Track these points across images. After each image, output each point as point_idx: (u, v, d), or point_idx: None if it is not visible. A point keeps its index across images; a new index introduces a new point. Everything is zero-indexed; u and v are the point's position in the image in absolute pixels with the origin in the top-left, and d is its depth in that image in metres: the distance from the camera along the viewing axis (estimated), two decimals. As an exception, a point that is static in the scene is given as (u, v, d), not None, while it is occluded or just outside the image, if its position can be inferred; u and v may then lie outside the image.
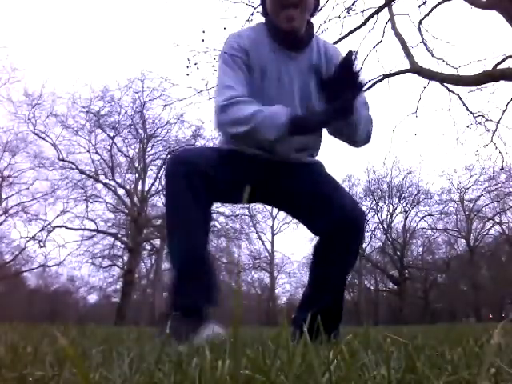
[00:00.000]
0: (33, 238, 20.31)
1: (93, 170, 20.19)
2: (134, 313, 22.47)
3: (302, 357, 0.54)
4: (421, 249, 29.04)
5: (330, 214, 1.58)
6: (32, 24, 47.37)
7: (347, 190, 1.98)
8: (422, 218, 27.52)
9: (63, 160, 19.73)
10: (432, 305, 28.50)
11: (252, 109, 1.53)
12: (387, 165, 26.89)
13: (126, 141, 20.88)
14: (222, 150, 1.72)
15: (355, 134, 1.67)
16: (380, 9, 8.91)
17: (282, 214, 23.14)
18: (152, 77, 20.31)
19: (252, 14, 8.29)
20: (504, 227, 26.41)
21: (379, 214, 27.86)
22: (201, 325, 1.40)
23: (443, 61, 10.23)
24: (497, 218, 26.53)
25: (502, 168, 12.59)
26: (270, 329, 6.05)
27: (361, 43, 9.41)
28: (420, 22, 10.12)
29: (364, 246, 27.18)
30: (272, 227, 27.89)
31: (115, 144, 20.43)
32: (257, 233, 26.25)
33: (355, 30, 8.81)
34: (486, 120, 10.90)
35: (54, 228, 20.25)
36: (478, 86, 9.18)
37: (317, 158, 1.84)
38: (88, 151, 20.09)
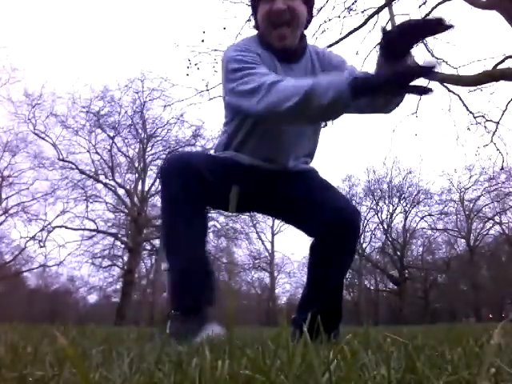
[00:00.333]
0: (33, 238, 20.35)
1: (93, 169, 20.24)
2: (134, 313, 22.44)
3: (302, 357, 0.54)
4: (421, 249, 29.08)
5: (324, 215, 1.59)
6: (32, 24, 47.42)
7: (347, 189, 1.98)
8: (422, 218, 27.56)
9: (63, 160, 19.75)
10: (432, 305, 28.50)
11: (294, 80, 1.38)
12: (387, 165, 26.96)
13: (126, 141, 20.93)
14: (219, 157, 1.72)
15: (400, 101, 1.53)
16: (380, 9, 8.91)
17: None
18: (152, 77, 20.39)
19: (252, 14, 8.28)
20: (504, 227, 26.44)
21: (379, 214, 27.91)
22: (200, 325, 1.41)
23: (443, 61, 10.22)
24: (497, 218, 26.55)
25: (502, 168, 12.58)
26: (269, 329, 6.05)
27: (361, 43, 9.41)
28: (420, 22, 10.09)
29: (364, 246, 27.21)
30: (272, 227, 27.86)
31: (115, 144, 20.47)
32: (257, 233, 26.27)
33: (355, 30, 8.82)
34: (487, 120, 10.90)
35: (54, 228, 20.29)
36: (478, 86, 9.18)
37: (316, 156, 1.85)
38: (88, 151, 20.14)
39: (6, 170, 20.33)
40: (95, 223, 20.69)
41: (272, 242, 28.51)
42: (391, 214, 27.88)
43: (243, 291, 31.09)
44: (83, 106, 19.45)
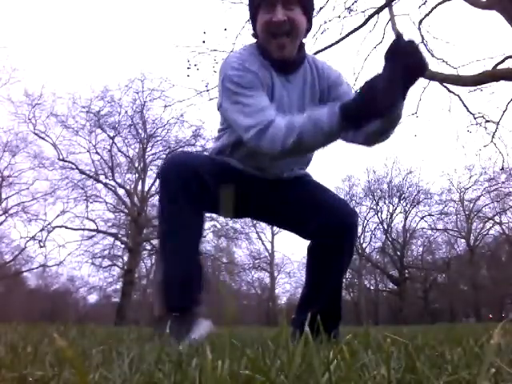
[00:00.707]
0: (33, 238, 20.33)
1: (93, 170, 20.21)
2: (134, 313, 22.45)
3: (302, 357, 0.54)
4: (421, 249, 29.08)
5: (321, 216, 1.59)
6: (32, 24, 47.42)
7: (347, 190, 1.98)
8: (422, 218, 27.56)
9: (63, 160, 19.74)
10: (432, 305, 28.51)
11: (287, 120, 1.43)
12: (387, 165, 26.96)
13: (126, 141, 20.91)
14: (216, 159, 1.71)
15: (397, 122, 1.54)
16: (380, 9, 8.90)
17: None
18: (152, 77, 20.43)
19: (251, 23, 8.26)
20: (504, 227, 26.45)
21: (379, 214, 27.92)
22: (192, 324, 1.42)
23: (443, 61, 10.22)
24: (497, 218, 26.55)
25: (502, 168, 12.58)
26: (269, 329, 6.05)
27: (361, 43, 9.41)
28: (420, 22, 10.11)
29: (364, 246, 27.21)
30: (272, 227, 27.84)
31: (115, 144, 20.45)
32: (257, 233, 26.23)
33: (355, 30, 8.81)
34: (487, 121, 10.89)
35: (53, 228, 20.26)
36: (478, 86, 9.17)
37: (316, 156, 1.84)
38: (88, 151, 20.12)
39: (6, 170, 20.34)
40: (95, 223, 20.70)
41: (272, 242, 28.53)
42: (391, 214, 27.91)
43: (243, 291, 31.11)
44: (83, 105, 19.44)
